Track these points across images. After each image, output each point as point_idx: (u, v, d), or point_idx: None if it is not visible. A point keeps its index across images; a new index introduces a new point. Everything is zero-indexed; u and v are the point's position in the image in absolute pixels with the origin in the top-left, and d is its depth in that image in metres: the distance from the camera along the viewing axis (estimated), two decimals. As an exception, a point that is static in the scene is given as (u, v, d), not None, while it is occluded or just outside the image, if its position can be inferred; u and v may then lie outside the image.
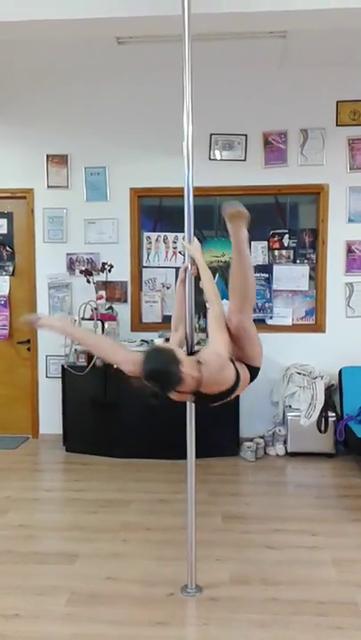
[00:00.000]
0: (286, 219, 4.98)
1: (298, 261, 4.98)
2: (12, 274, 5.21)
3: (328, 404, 4.61)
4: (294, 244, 4.96)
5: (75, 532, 3.38)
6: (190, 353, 2.63)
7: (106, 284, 4.95)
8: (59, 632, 2.44)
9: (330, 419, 4.57)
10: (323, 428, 4.56)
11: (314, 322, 4.99)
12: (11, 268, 5.21)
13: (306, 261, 4.98)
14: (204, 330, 4.01)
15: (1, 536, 3.33)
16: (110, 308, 4.86)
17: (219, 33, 3.82)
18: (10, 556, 3.10)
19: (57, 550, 3.16)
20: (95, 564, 3.00)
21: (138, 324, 5.08)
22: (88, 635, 2.42)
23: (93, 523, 3.51)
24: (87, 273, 4.81)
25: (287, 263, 4.98)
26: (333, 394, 4.78)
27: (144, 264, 5.10)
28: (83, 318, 4.68)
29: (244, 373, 2.57)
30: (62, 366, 4.78)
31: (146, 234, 5.08)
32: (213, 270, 4.14)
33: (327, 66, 4.73)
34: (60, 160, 5.05)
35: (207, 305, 2.63)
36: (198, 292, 2.67)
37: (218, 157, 4.91)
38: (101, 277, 4.89)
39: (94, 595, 2.72)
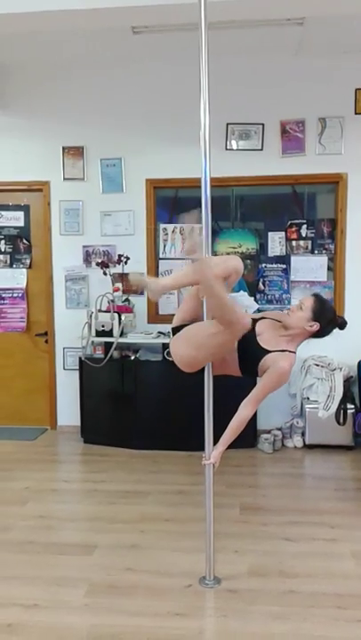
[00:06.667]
0: (304, 209, 4.92)
1: (316, 252, 4.92)
2: (29, 266, 5.24)
3: (347, 396, 4.56)
4: (312, 235, 4.90)
5: (93, 523, 3.40)
6: None
7: (122, 276, 4.95)
8: (77, 622, 2.46)
9: (348, 411, 4.53)
10: (341, 421, 4.52)
11: (332, 313, 4.93)
12: (28, 261, 5.23)
13: (324, 252, 4.92)
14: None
15: (20, 527, 3.36)
16: (127, 300, 4.86)
17: (235, 21, 3.77)
18: (29, 546, 3.13)
19: (76, 541, 3.19)
20: (114, 554, 3.02)
21: (155, 316, 5.07)
22: (106, 625, 2.43)
23: (112, 514, 3.52)
24: (103, 265, 4.81)
25: (305, 254, 4.93)
26: (352, 386, 4.73)
27: (160, 256, 5.08)
28: (99, 310, 4.69)
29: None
30: (79, 358, 4.80)
31: (162, 225, 5.06)
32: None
33: (345, 53, 4.63)
34: (75, 152, 5.04)
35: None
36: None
37: (234, 147, 4.86)
38: (118, 269, 4.89)
39: (113, 585, 2.73)
